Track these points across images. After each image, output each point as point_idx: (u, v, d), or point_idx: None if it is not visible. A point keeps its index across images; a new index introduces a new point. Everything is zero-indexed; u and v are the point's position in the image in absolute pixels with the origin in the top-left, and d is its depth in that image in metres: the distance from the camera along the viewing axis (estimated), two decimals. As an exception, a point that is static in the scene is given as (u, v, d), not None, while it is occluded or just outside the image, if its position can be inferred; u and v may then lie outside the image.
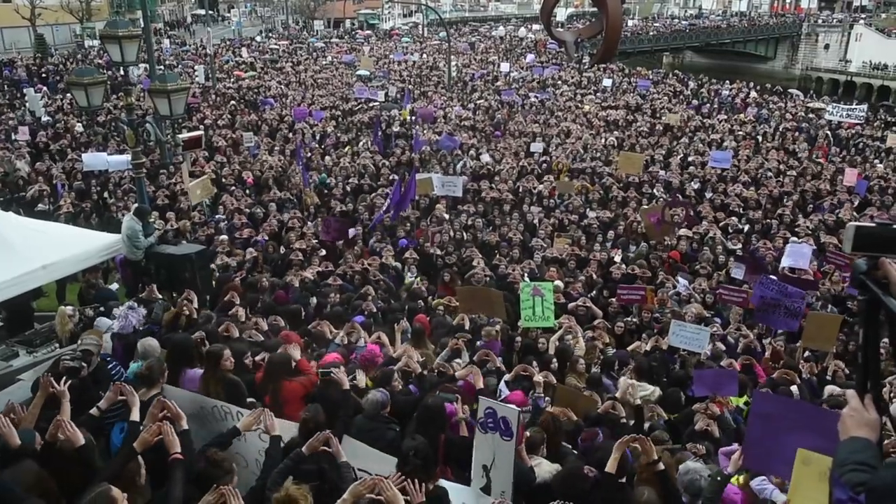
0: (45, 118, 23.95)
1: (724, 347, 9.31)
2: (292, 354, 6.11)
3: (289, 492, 3.76)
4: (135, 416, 4.72)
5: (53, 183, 16.05)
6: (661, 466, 4.75)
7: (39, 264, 8.42)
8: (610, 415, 6.38)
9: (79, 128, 22.11)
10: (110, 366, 6.21)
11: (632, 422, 6.68)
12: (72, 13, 48.25)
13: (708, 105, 31.22)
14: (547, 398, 6.86)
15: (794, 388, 7.63)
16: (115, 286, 10.79)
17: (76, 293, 10.87)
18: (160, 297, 8.47)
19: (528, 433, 5.36)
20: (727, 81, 38.38)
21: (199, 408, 5.30)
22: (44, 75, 33.81)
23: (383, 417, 5.31)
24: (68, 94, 24.96)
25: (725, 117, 28.01)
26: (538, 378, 6.92)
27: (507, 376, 7.17)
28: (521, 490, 4.78)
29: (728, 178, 17.93)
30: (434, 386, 6.28)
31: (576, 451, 5.72)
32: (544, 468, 5.11)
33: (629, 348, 9.13)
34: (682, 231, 13.42)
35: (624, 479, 4.74)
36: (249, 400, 5.70)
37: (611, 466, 4.66)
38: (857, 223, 2.46)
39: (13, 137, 21.07)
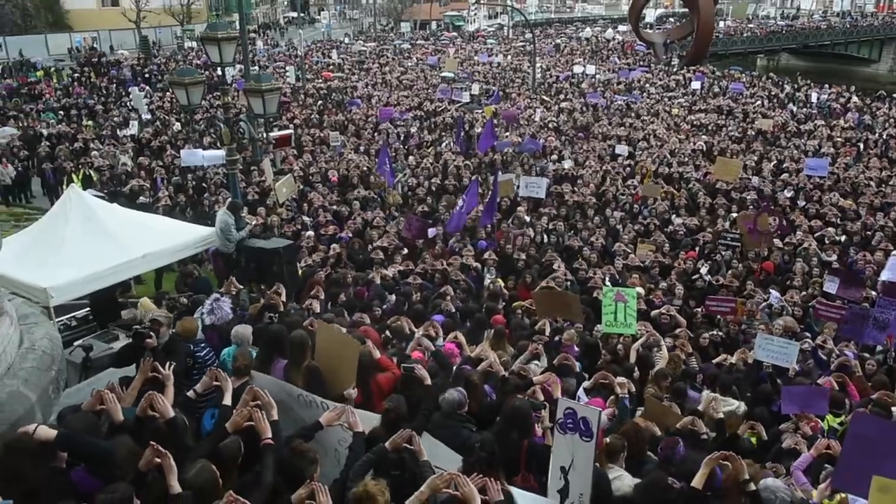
0: (146, 116, 25.28)
1: (812, 363, 8.90)
2: (372, 353, 6.23)
3: (367, 487, 3.80)
4: (227, 401, 4.91)
5: (154, 177, 16.94)
6: (753, 487, 4.56)
7: (140, 253, 8.93)
8: (688, 430, 6.17)
9: (177, 125, 23.21)
10: (204, 351, 6.50)
11: (713, 434, 6.45)
12: (173, 16, 50.69)
13: (805, 110, 29.84)
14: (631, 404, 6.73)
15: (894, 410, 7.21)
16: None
17: (173, 282, 11.42)
18: (241, 287, 8.82)
19: (607, 440, 5.28)
20: (826, 85, 36.55)
21: (285, 395, 5.47)
22: (146, 75, 35.69)
23: (459, 416, 5.33)
24: (168, 93, 26.37)
25: (823, 123, 26.69)
26: (621, 380, 6.78)
27: (586, 383, 7.08)
28: (598, 500, 4.67)
29: (825, 187, 17.07)
30: (515, 390, 6.25)
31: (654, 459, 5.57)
32: (626, 482, 4.98)
33: (715, 361, 8.83)
34: (776, 241, 12.89)
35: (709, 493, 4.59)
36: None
37: (698, 482, 4.53)
38: None
39: (119, 133, 22.36)
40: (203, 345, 6.65)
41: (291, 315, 7.79)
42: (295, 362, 5.96)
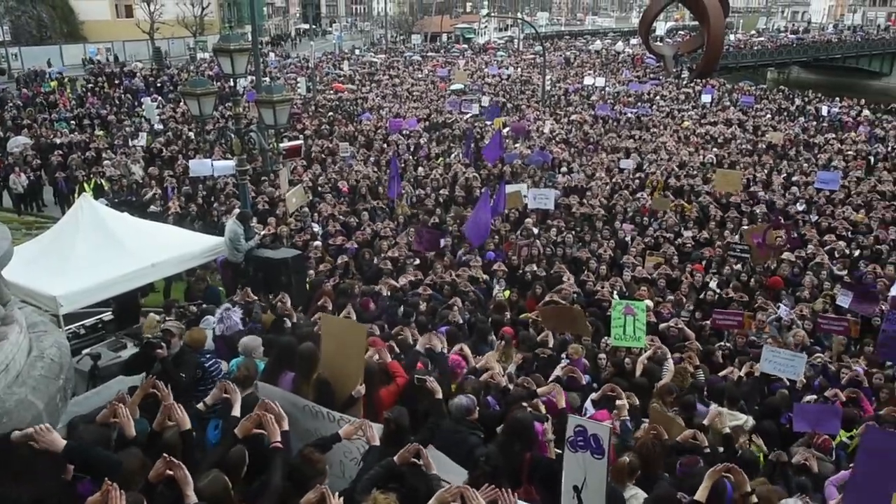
0: (157, 126, 25.49)
1: (817, 381, 8.82)
2: (382, 357, 6.24)
3: (376, 501, 3.80)
4: (236, 412, 4.89)
5: (164, 187, 17.05)
6: (755, 499, 4.56)
7: (149, 263, 8.99)
8: (690, 444, 6.11)
9: (190, 135, 23.37)
10: (210, 363, 6.51)
11: (721, 449, 6.40)
12: (186, 27, 51.21)
13: (815, 123, 29.76)
14: (632, 422, 6.68)
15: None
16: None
17: (182, 291, 11.47)
18: (255, 297, 8.81)
19: (627, 458, 5.24)
20: (837, 98, 36.47)
21: (291, 406, 5.47)
22: (159, 85, 36.01)
23: (468, 422, 5.34)
24: (180, 103, 26.59)
25: (833, 136, 26.61)
26: (621, 402, 6.73)
27: (593, 395, 7.05)
28: None
29: (836, 201, 16.98)
30: (518, 401, 6.23)
31: (668, 477, 5.51)
32: (640, 500, 4.94)
33: (721, 374, 8.77)
34: (785, 255, 12.81)
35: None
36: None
37: (701, 495, 4.49)
38: None
39: (130, 143, 22.52)
40: (210, 356, 6.66)
41: (302, 327, 7.79)
42: (304, 375, 5.94)
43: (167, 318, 8.18)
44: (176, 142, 22.53)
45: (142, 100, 30.39)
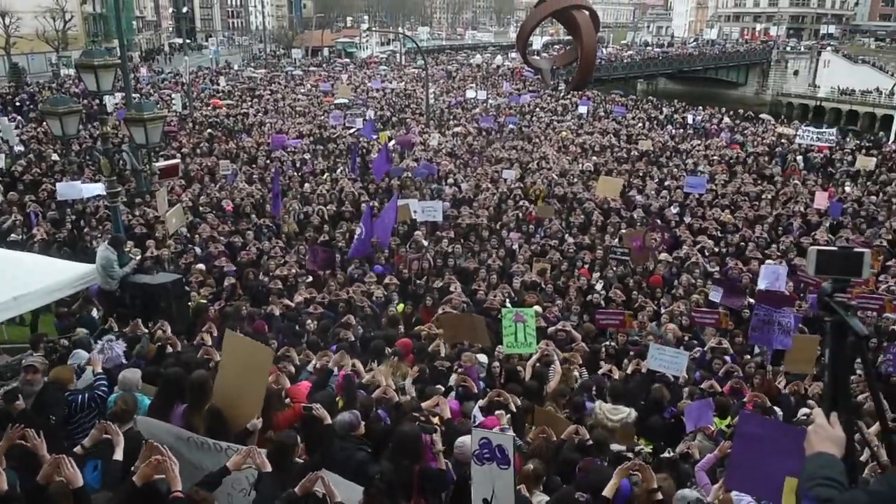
0: (17, 147, 23.65)
1: (697, 372, 9.34)
2: (282, 383, 6.03)
3: None
4: (118, 455, 4.62)
5: (27, 212, 15.81)
6: (660, 496, 4.73)
7: (10, 296, 8.27)
8: (578, 439, 6.23)
9: (54, 157, 21.85)
10: (80, 398, 6.04)
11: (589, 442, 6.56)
12: (48, 42, 48.07)
13: (682, 130, 31.70)
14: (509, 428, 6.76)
15: (777, 409, 7.67)
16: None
17: (51, 324, 10.66)
18: (146, 331, 8.33)
19: (531, 465, 5.28)
20: (700, 107, 39.11)
21: (173, 439, 5.18)
22: (18, 104, 33.52)
23: (354, 438, 5.28)
24: (43, 123, 24.78)
25: (699, 142, 28.46)
26: (499, 411, 6.78)
27: (481, 402, 7.10)
28: None
29: (705, 203, 18.14)
30: (407, 414, 6.18)
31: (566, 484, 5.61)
32: None
33: (600, 371, 9.09)
34: (662, 256, 13.51)
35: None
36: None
37: (609, 491, 4.61)
38: (818, 247, 2.55)
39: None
40: (77, 392, 6.18)
41: (185, 354, 7.41)
42: (196, 405, 5.63)
43: (34, 354, 7.54)
44: (39, 164, 20.97)
45: (-2, 119, 28.11)
